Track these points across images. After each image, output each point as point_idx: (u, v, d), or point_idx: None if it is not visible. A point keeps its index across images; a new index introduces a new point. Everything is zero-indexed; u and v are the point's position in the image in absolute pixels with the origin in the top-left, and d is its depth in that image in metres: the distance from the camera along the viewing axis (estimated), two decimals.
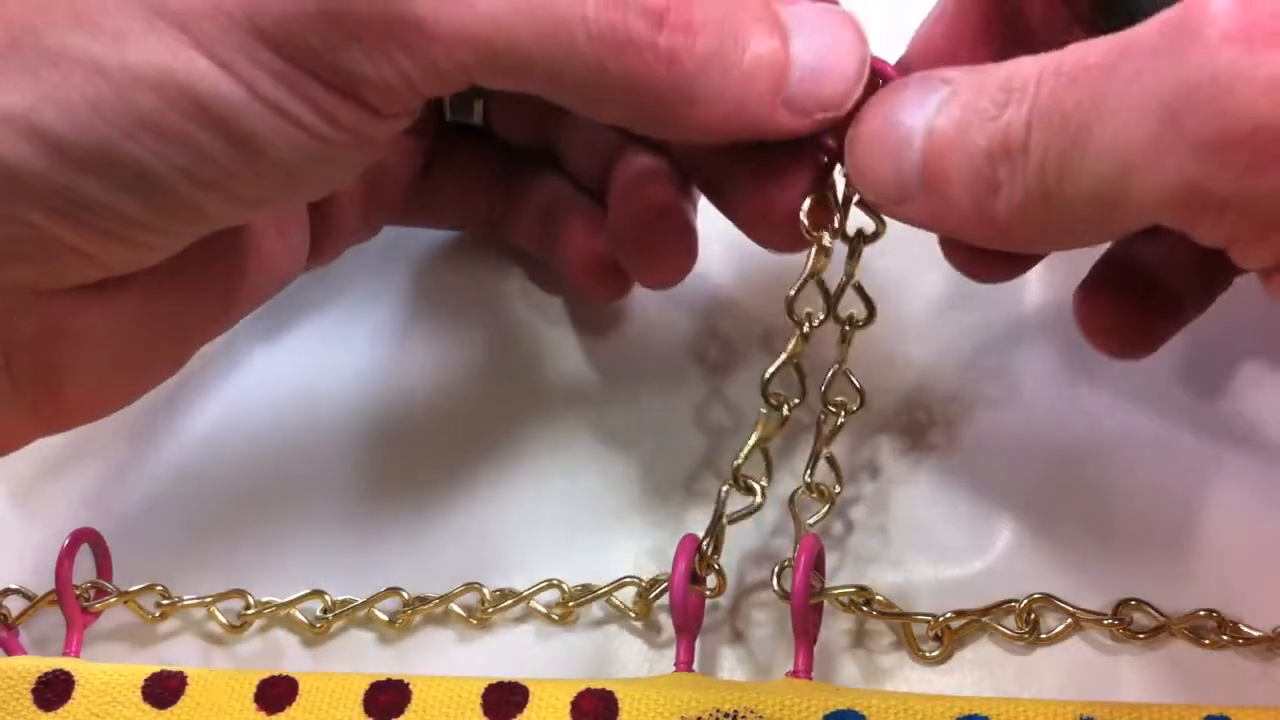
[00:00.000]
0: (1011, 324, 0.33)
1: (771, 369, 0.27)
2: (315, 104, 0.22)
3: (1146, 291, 0.27)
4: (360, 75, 0.22)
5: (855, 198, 0.26)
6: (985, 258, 0.26)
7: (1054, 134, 0.21)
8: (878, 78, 0.25)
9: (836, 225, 0.26)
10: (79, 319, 0.25)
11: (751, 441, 0.28)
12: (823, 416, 0.29)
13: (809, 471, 0.29)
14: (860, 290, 0.27)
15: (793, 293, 0.27)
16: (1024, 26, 0.28)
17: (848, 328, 0.28)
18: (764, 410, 0.27)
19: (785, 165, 0.27)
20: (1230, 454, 0.30)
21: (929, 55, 0.27)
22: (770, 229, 0.27)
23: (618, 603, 0.30)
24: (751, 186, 0.27)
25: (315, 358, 0.34)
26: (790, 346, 0.27)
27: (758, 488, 0.28)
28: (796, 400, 0.28)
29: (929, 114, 0.23)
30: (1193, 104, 0.20)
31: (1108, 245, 0.28)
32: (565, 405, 0.33)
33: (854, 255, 0.27)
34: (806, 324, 0.27)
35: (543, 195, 0.33)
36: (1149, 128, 0.20)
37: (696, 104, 0.24)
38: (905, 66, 0.26)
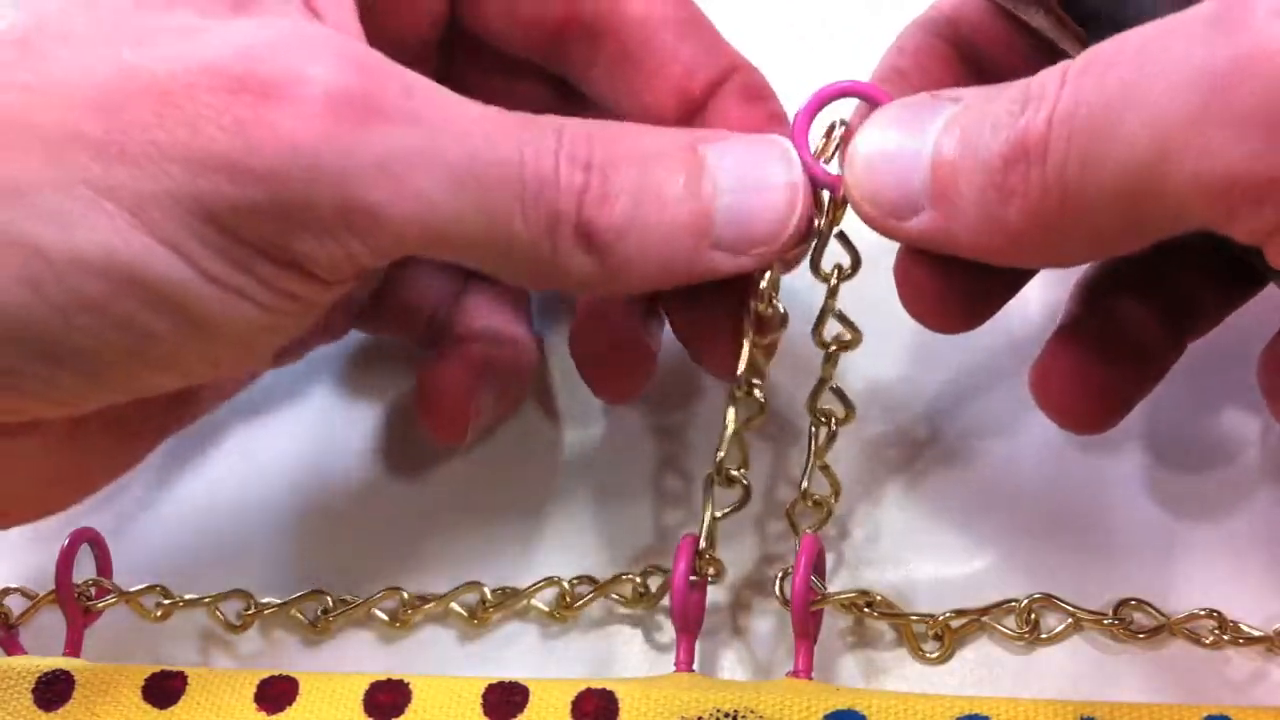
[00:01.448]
0: (1013, 325, 0.33)
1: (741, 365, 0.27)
2: (265, 280, 0.22)
3: (1106, 361, 0.27)
4: (310, 256, 0.22)
5: (836, 231, 0.26)
6: (944, 306, 0.26)
7: (1078, 128, 0.20)
8: (872, 102, 0.25)
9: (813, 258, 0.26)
10: (3, 449, 0.24)
11: (729, 431, 0.27)
12: (814, 429, 0.28)
13: (804, 482, 0.29)
14: (843, 319, 0.27)
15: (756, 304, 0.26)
16: (983, 62, 0.27)
17: (833, 349, 0.27)
18: (737, 395, 0.27)
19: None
20: (1231, 455, 0.30)
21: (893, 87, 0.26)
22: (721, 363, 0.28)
23: (619, 596, 0.30)
24: (709, 323, 0.28)
25: (316, 357, 0.34)
26: (746, 348, 0.27)
27: (741, 480, 0.28)
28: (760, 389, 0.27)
29: (938, 127, 0.23)
30: (1242, 78, 0.19)
31: (1063, 317, 0.28)
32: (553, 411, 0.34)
33: (832, 294, 0.27)
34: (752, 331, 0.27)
35: (469, 318, 0.32)
36: (1191, 106, 0.19)
37: (623, 270, 0.24)
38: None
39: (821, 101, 0.25)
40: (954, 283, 0.25)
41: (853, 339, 0.27)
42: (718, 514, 0.28)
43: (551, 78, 0.29)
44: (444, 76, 0.24)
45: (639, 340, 0.30)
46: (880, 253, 0.26)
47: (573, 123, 0.24)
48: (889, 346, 0.32)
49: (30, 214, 0.20)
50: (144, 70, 0.20)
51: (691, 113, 0.27)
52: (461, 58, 0.29)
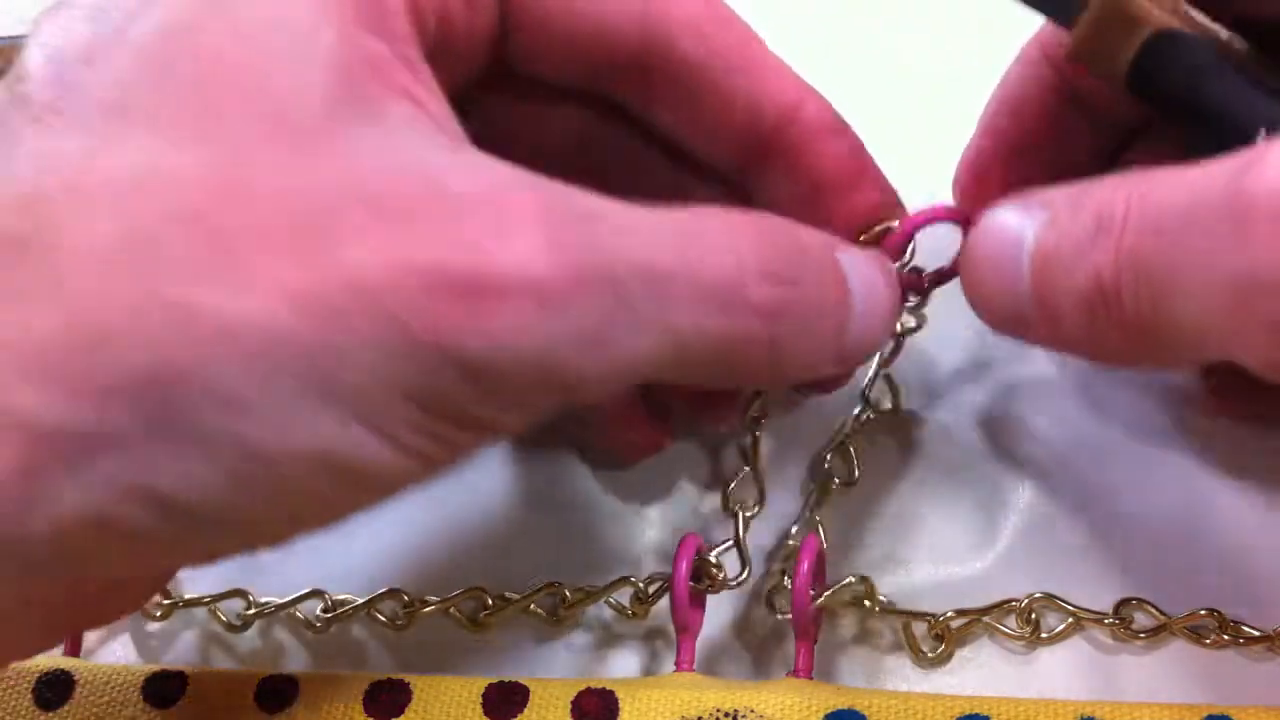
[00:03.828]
0: None
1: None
2: (449, 442, 0.21)
3: None
4: (503, 420, 0.22)
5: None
6: None
7: (1141, 282, 0.22)
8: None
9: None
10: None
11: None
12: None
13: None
14: (890, 381, 0.28)
15: None
16: (1081, 95, 0.28)
17: (870, 414, 0.29)
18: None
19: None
20: (1231, 454, 0.30)
21: (1000, 134, 0.28)
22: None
23: (616, 604, 0.30)
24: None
25: None
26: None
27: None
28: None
29: (1030, 244, 0.24)
30: (1258, 292, 0.20)
31: None
32: None
33: (896, 350, 0.27)
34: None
35: None
36: (1224, 302, 0.20)
37: (781, 377, 0.24)
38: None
39: (912, 230, 0.27)
40: None
41: (893, 409, 0.29)
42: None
43: (593, 101, 0.28)
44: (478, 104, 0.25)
45: (656, 438, 0.32)
46: None
47: (756, 231, 0.23)
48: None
49: (245, 420, 0.19)
50: (342, 267, 0.19)
51: (761, 152, 0.27)
52: (494, 84, 0.28)
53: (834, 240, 0.25)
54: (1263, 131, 0.21)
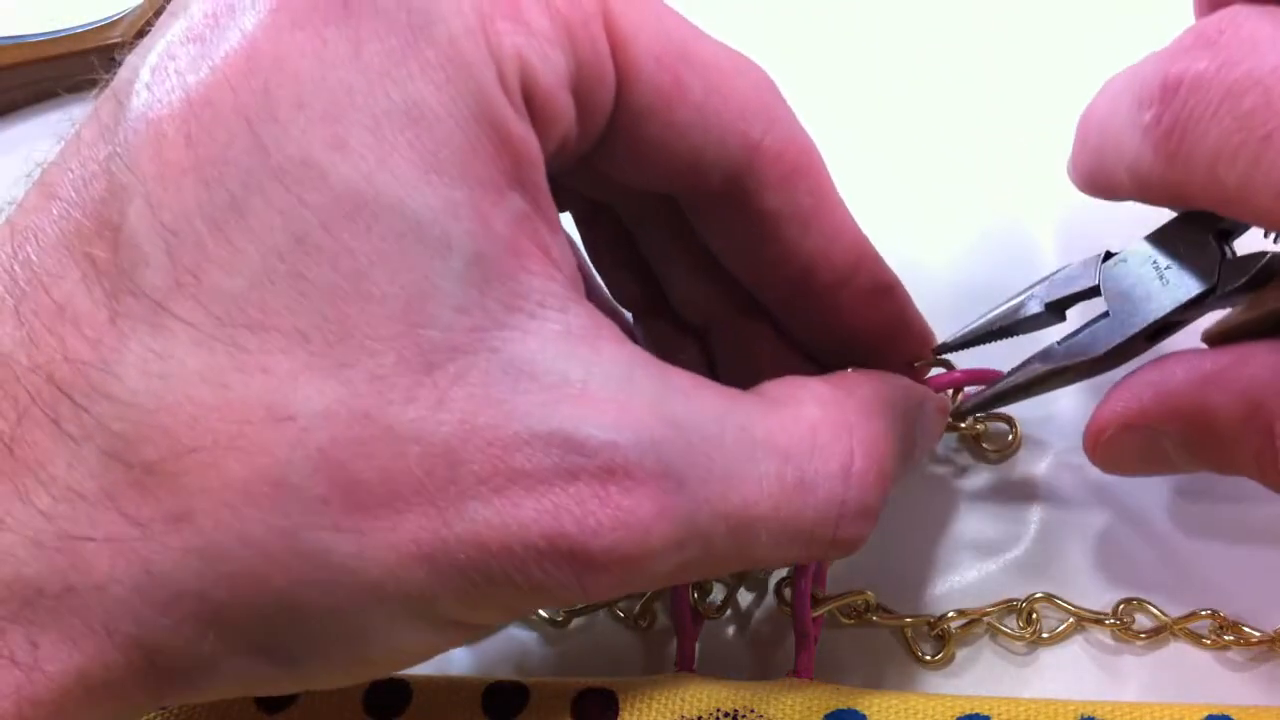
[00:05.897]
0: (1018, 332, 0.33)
1: None
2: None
3: None
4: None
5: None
6: None
7: None
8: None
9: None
10: None
11: None
12: None
13: None
14: None
15: None
16: None
17: None
18: None
19: None
20: None
21: None
22: None
23: (619, 612, 0.30)
24: None
25: None
26: None
27: None
28: None
29: None
30: None
31: None
32: None
33: None
34: None
35: None
36: None
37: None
38: None
39: (960, 383, 0.29)
40: None
41: None
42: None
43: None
44: None
45: None
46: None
47: (865, 449, 0.23)
48: None
49: (354, 645, 0.20)
50: (467, 525, 0.19)
51: (806, 304, 0.26)
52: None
53: (918, 405, 0.26)
54: None
